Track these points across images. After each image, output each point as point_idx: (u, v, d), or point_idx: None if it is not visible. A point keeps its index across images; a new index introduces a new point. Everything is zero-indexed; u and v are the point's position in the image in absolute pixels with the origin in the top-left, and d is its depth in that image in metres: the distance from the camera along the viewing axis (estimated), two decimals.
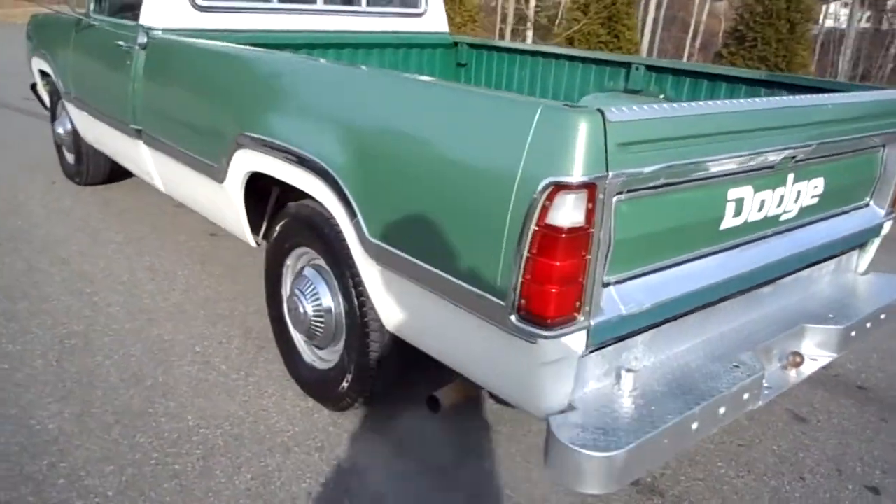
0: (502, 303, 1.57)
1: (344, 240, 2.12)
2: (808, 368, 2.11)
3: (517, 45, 4.18)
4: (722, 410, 1.74)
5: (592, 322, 1.58)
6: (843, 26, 17.52)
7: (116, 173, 4.91)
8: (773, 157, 1.84)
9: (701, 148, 1.63)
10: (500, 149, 1.56)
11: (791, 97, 1.96)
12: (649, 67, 3.36)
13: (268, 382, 2.69)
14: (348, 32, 3.93)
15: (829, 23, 21.22)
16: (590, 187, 1.44)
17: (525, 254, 1.50)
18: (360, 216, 1.97)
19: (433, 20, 4.32)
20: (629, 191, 1.56)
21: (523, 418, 2.52)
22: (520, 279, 1.52)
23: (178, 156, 3.03)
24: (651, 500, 2.16)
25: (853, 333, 2.19)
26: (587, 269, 1.52)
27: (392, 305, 2.00)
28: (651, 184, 1.59)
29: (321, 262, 2.43)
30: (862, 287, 2.50)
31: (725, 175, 1.77)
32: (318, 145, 2.07)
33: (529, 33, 14.31)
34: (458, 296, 1.70)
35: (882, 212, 2.46)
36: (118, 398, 2.53)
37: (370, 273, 2.03)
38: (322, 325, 2.41)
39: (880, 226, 2.46)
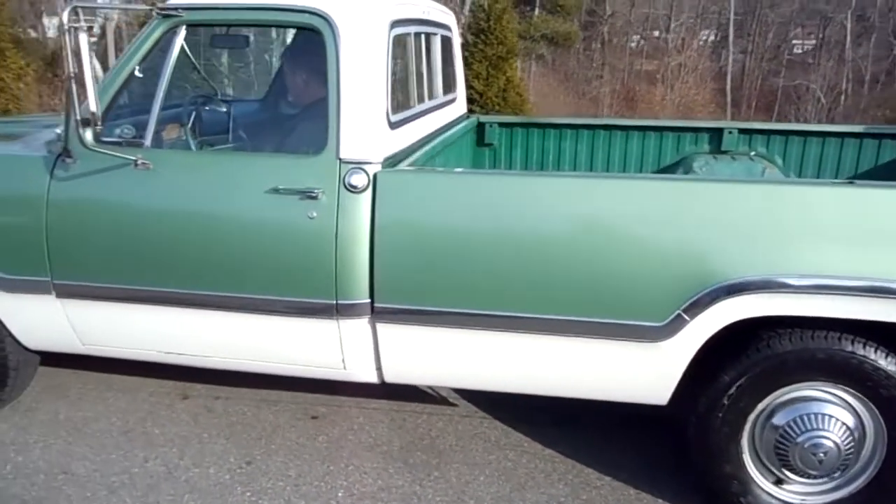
0: None
1: None
2: None
3: (559, 119, 4.08)
4: None
5: None
6: None
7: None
8: None
9: None
10: None
11: None
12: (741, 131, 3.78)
13: None
14: (443, 128, 3.36)
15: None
16: None
17: None
18: None
19: (461, 104, 3.94)
20: None
21: None
22: None
23: (524, 326, 2.32)
24: None
25: None
26: None
27: None
28: None
29: (821, 392, 2.31)
30: None
31: None
32: None
33: None
34: None
35: None
36: None
37: None
38: (852, 452, 2.31)
39: None
